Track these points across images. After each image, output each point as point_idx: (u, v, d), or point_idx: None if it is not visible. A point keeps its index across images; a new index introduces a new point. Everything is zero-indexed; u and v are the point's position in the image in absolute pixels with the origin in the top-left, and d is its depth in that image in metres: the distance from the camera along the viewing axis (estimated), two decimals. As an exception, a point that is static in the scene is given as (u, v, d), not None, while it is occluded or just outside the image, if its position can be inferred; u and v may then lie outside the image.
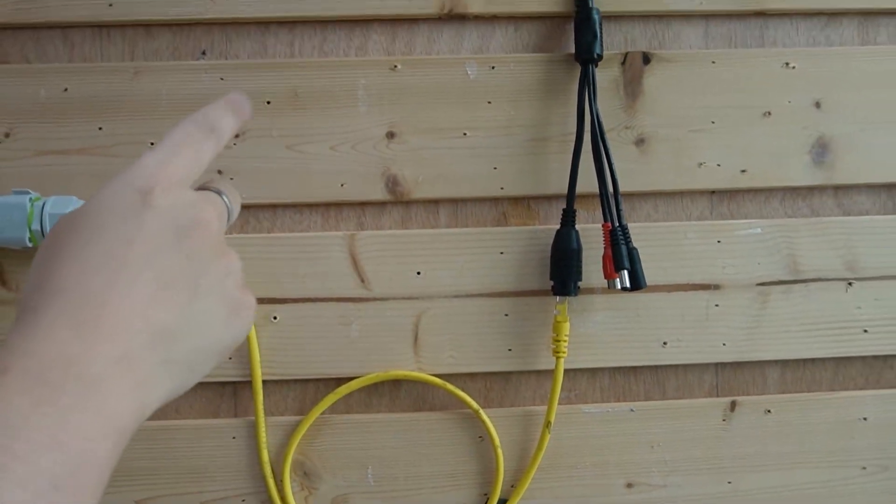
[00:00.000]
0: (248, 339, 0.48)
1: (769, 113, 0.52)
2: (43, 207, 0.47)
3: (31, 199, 0.47)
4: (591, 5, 0.50)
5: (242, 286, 0.29)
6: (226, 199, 0.29)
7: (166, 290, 0.26)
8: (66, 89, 0.50)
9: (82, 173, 0.50)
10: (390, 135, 0.50)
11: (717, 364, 0.51)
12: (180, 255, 0.26)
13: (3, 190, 0.49)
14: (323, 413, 0.49)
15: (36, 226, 0.47)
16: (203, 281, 0.28)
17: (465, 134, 0.50)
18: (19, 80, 0.50)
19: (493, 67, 0.51)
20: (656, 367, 0.51)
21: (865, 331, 0.51)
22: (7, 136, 0.50)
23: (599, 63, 0.50)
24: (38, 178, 0.50)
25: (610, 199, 0.48)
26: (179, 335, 0.26)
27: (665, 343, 0.51)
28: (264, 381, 0.49)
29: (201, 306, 0.27)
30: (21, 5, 0.50)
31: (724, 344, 0.51)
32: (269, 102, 0.50)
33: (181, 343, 0.27)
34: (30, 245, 0.47)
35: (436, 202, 0.51)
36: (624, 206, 0.49)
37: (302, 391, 0.50)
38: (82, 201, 0.48)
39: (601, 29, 0.49)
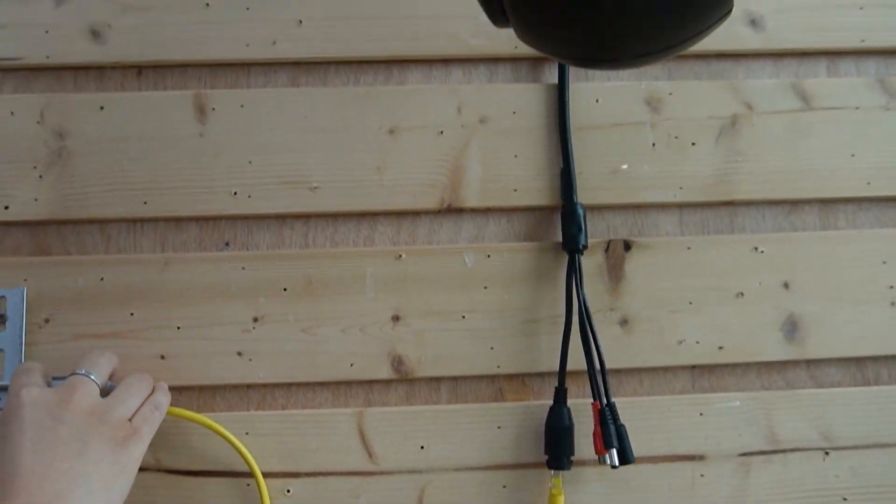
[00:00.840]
0: None
1: (742, 294, 0.61)
2: None
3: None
4: (575, 200, 0.60)
5: (122, 423, 0.49)
6: (92, 377, 0.52)
7: (51, 460, 0.43)
8: (102, 278, 0.60)
9: (116, 355, 0.59)
10: (395, 318, 0.60)
11: (704, 532, 0.59)
12: (56, 430, 0.45)
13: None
14: None
15: None
16: (83, 441, 0.45)
17: (463, 317, 0.60)
18: (60, 270, 0.60)
19: (488, 256, 0.61)
20: None
21: (844, 499, 0.59)
22: (47, 321, 0.59)
23: (584, 251, 0.60)
24: (75, 360, 0.59)
25: (597, 378, 0.57)
26: (73, 491, 0.43)
27: None
28: None
29: (87, 458, 0.44)
30: (66, 203, 0.61)
31: None
32: (285, 289, 0.60)
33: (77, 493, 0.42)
34: None
35: (437, 380, 0.60)
36: (611, 381, 0.58)
37: None
38: (114, 384, 0.56)
39: (585, 221, 0.60)
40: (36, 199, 0.60)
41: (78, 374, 0.52)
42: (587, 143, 0.61)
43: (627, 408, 0.58)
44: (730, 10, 0.40)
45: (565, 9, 0.38)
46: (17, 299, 0.59)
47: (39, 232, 0.61)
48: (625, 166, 0.61)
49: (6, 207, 0.60)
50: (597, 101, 0.62)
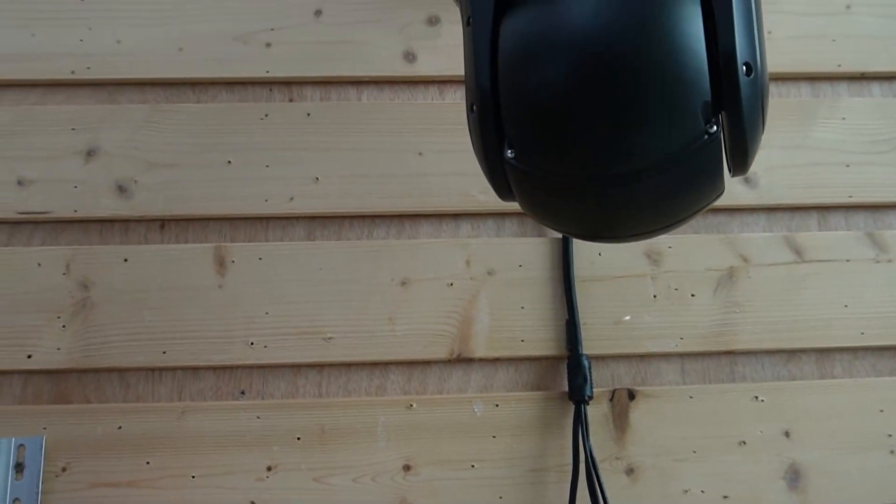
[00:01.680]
0: None
1: (744, 442, 0.67)
2: None
3: None
4: (580, 351, 0.67)
5: None
6: None
7: None
8: (120, 427, 0.66)
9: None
10: (406, 467, 0.66)
11: None
12: None
13: None
14: None
15: None
16: None
17: (473, 466, 0.66)
18: (79, 418, 0.66)
19: (497, 405, 0.67)
20: None
21: None
22: (64, 470, 0.65)
23: (590, 401, 0.66)
24: None
25: None
26: None
27: None
28: None
29: None
30: (87, 353, 0.67)
31: None
32: (298, 438, 0.66)
33: None
34: None
35: None
36: None
37: None
38: None
39: (591, 372, 0.66)
40: (58, 349, 0.67)
41: None
42: (591, 294, 0.69)
43: None
44: (722, 192, 0.48)
45: (569, 197, 0.46)
46: (35, 448, 0.65)
47: (60, 380, 0.67)
48: (627, 317, 0.69)
49: (29, 356, 0.67)
50: (599, 254, 0.70)
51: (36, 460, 0.64)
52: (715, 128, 0.42)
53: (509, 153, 0.46)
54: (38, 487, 0.63)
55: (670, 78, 0.42)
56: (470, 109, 0.47)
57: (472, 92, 0.47)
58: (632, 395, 0.67)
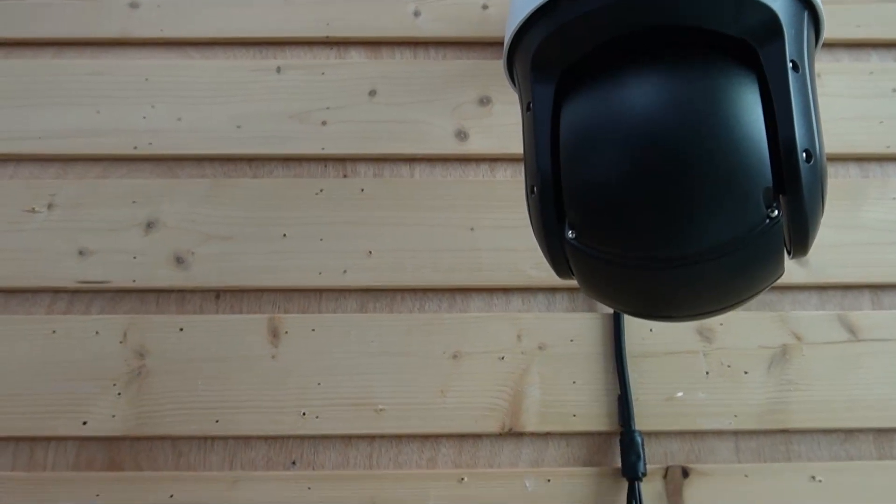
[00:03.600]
0: None
1: None
2: None
3: None
4: (633, 427, 0.76)
5: None
6: None
7: None
8: (171, 496, 0.75)
9: None
10: None
11: None
12: None
13: None
14: None
15: None
16: None
17: None
18: (131, 486, 0.75)
19: (548, 480, 0.76)
20: None
21: None
22: None
23: (643, 478, 0.75)
24: None
25: None
26: None
27: None
28: None
29: None
30: (141, 420, 0.77)
31: None
32: None
33: None
34: None
35: None
36: None
37: None
38: None
39: (644, 449, 0.75)
40: (113, 416, 0.77)
41: None
42: (642, 370, 0.78)
43: None
44: (781, 274, 0.54)
45: (630, 278, 0.55)
46: (88, 515, 0.74)
47: (114, 447, 0.77)
48: (680, 394, 0.78)
49: (84, 423, 0.77)
50: (651, 330, 0.80)
51: None
52: (777, 212, 0.48)
53: (570, 234, 0.52)
54: None
55: (732, 164, 0.48)
56: (530, 191, 0.54)
57: (532, 174, 0.54)
58: (686, 473, 0.76)
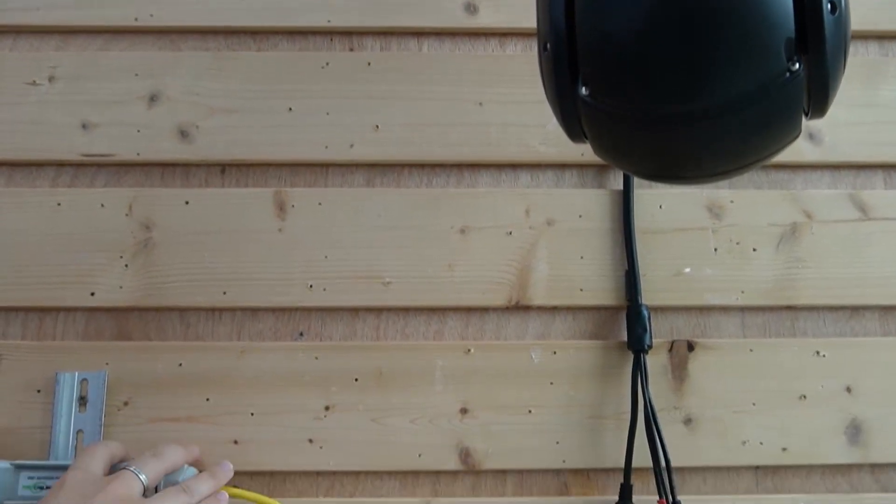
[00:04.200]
0: None
1: (804, 396, 0.75)
2: None
3: None
4: (640, 301, 0.76)
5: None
6: (141, 476, 0.63)
7: None
8: (180, 364, 0.75)
9: (191, 438, 0.73)
10: (463, 411, 0.74)
11: None
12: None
13: None
14: None
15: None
16: None
17: (529, 411, 0.75)
18: (140, 355, 0.76)
19: (554, 352, 0.76)
20: None
21: None
22: (126, 404, 0.74)
23: (649, 351, 0.75)
24: (151, 443, 0.73)
25: (663, 476, 0.71)
26: None
27: None
28: None
29: None
30: (148, 291, 0.77)
31: None
32: (356, 380, 0.75)
33: None
34: None
35: (504, 473, 0.74)
36: (675, 479, 0.71)
37: None
38: (192, 468, 0.71)
39: (650, 322, 0.75)
40: (121, 287, 0.77)
41: (128, 468, 0.64)
42: (651, 246, 0.78)
43: None
44: (798, 134, 0.53)
45: (645, 135, 0.54)
46: (98, 382, 0.74)
47: (122, 318, 0.77)
48: (688, 270, 0.77)
49: (92, 294, 0.76)
50: (660, 206, 0.79)
51: (99, 394, 0.74)
52: (798, 65, 0.47)
53: (584, 91, 0.51)
54: (100, 420, 0.73)
55: (753, 13, 0.46)
56: (543, 48, 0.52)
57: (545, 31, 0.52)
58: (691, 347, 0.75)
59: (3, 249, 0.74)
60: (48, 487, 0.65)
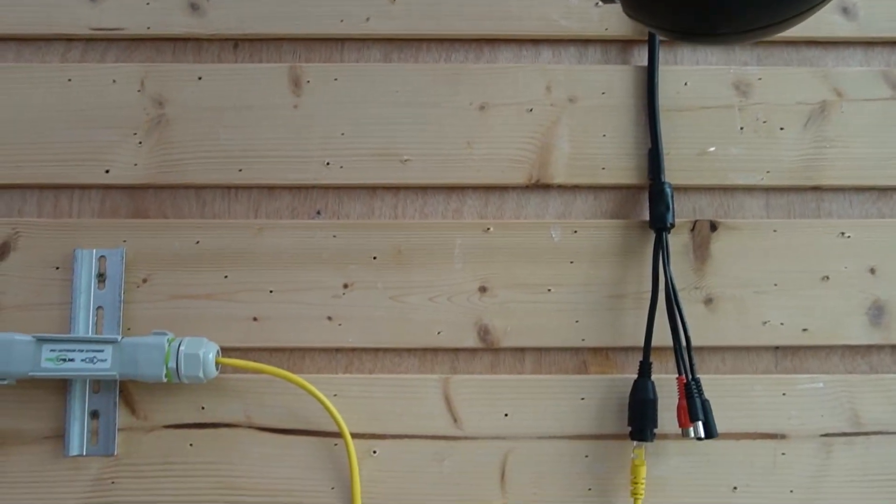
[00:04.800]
0: (350, 472, 0.70)
1: (827, 277, 0.74)
2: (179, 347, 0.70)
3: (168, 339, 0.70)
4: (663, 179, 0.74)
5: None
6: None
7: None
8: (197, 242, 0.74)
9: (210, 315, 0.73)
10: (482, 289, 0.73)
11: (785, 511, 0.70)
12: None
13: (142, 329, 0.72)
14: None
15: (172, 364, 0.69)
16: None
17: (549, 290, 0.73)
18: (157, 233, 0.74)
19: (575, 231, 0.74)
20: None
21: (926, 483, 0.70)
22: (145, 281, 0.74)
23: (671, 230, 0.73)
24: (170, 319, 0.73)
25: (683, 354, 0.70)
26: None
27: (735, 488, 0.71)
28: None
29: None
30: (163, 169, 0.75)
31: (791, 491, 0.71)
32: (375, 258, 0.74)
33: None
34: (164, 381, 0.69)
35: (522, 350, 0.73)
36: (694, 358, 0.70)
37: None
38: (213, 343, 0.70)
39: (673, 201, 0.73)
40: (135, 164, 0.75)
41: None
42: (675, 124, 0.75)
43: (710, 385, 0.70)
44: None
45: None
46: (116, 259, 0.73)
47: (138, 196, 0.75)
48: (712, 148, 0.75)
49: (107, 171, 0.74)
50: (685, 83, 0.76)
51: (117, 271, 0.72)
52: None
53: None
54: (120, 297, 0.72)
55: None
56: None
57: None
58: (713, 227, 0.73)
59: (15, 126, 0.72)
60: (70, 360, 0.64)
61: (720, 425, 0.67)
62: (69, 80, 0.74)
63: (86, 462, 0.68)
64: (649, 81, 0.73)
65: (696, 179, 0.72)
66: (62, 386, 0.69)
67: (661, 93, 0.73)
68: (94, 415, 0.69)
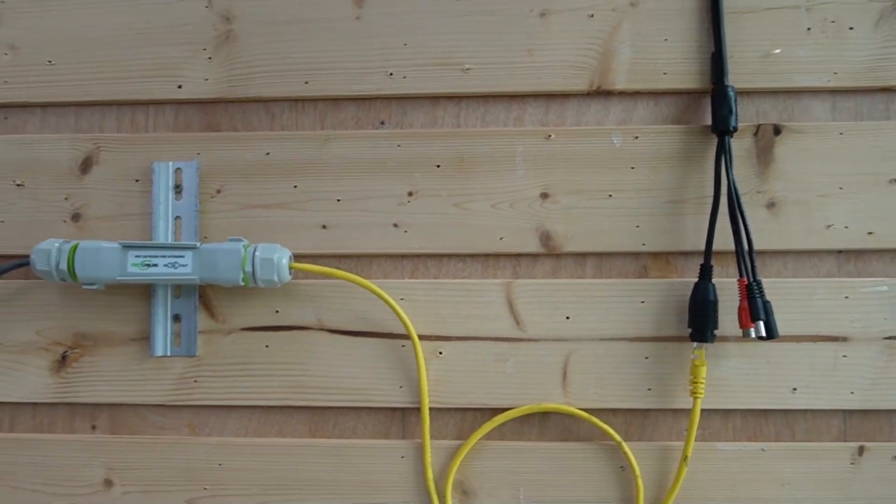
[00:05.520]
0: (417, 371, 0.72)
1: (894, 180, 0.72)
2: (254, 252, 0.72)
3: (244, 245, 0.72)
4: (726, 83, 0.72)
5: None
6: None
7: None
8: (267, 153, 0.76)
9: (281, 224, 0.75)
10: (544, 195, 0.74)
11: (845, 411, 0.71)
12: None
13: (218, 237, 0.74)
14: (480, 439, 0.72)
15: (248, 268, 0.72)
16: None
17: (610, 195, 0.74)
18: (229, 145, 0.76)
19: (636, 137, 0.74)
20: (786, 410, 0.71)
21: None
22: (219, 192, 0.76)
23: (734, 134, 0.72)
24: (244, 228, 0.75)
25: (745, 257, 0.70)
26: None
27: (795, 389, 0.71)
28: (430, 409, 0.73)
29: None
30: (233, 83, 0.77)
31: (851, 392, 0.71)
32: (438, 166, 0.75)
33: None
34: (241, 284, 0.72)
35: (583, 255, 0.74)
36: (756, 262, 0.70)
37: (462, 419, 0.73)
38: (286, 249, 0.73)
39: (736, 104, 0.72)
40: (206, 79, 0.76)
41: None
42: (739, 26, 0.73)
43: (771, 289, 0.70)
44: None
45: None
46: (191, 171, 0.76)
47: (209, 110, 0.77)
48: (777, 50, 0.73)
49: (179, 86, 0.76)
50: None
51: (192, 182, 0.75)
52: None
53: None
54: (195, 207, 0.74)
55: None
56: None
57: None
58: (777, 131, 0.72)
59: (87, 44, 0.74)
60: (154, 265, 0.67)
61: (781, 328, 0.67)
62: (140, -3, 0.75)
63: (170, 362, 0.72)
64: (713, -18, 0.70)
65: (760, 83, 0.71)
66: (146, 292, 0.72)
67: (726, -6, 0.70)
68: (177, 318, 0.72)
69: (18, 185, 0.73)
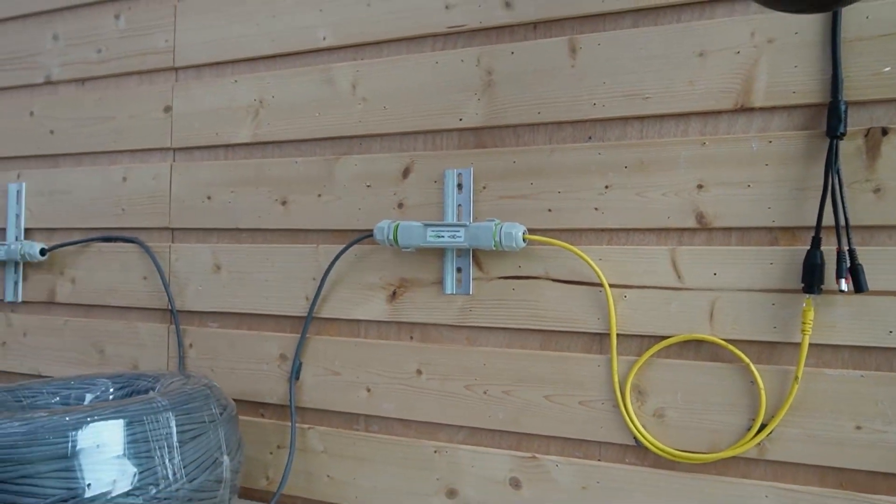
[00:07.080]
0: (608, 308, 1.07)
1: None
2: (501, 228, 1.12)
3: (495, 223, 1.13)
4: (840, 98, 0.98)
5: None
6: None
7: None
8: (514, 161, 1.13)
9: (521, 209, 1.11)
10: (699, 186, 1.03)
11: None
12: None
13: (482, 218, 1.11)
14: (651, 356, 1.06)
15: (497, 238, 1.12)
16: None
17: (748, 186, 1.01)
18: (491, 157, 1.12)
19: (770, 142, 1.01)
20: (884, 348, 0.90)
21: None
22: (484, 188, 1.15)
23: (844, 137, 0.97)
24: (498, 211, 1.13)
25: (841, 231, 0.95)
26: None
27: (891, 332, 0.95)
28: (617, 335, 1.08)
29: None
30: (493, 116, 1.16)
31: None
32: (626, 167, 1.08)
33: None
34: (494, 249, 1.13)
35: (728, 230, 1.00)
36: (862, 235, 0.89)
37: (640, 342, 1.06)
38: (522, 225, 1.11)
39: (846, 115, 0.94)
40: (476, 114, 1.15)
41: None
42: (856, 52, 0.91)
43: (875, 255, 0.90)
44: None
45: None
46: (468, 175, 1.13)
47: (479, 134, 1.14)
48: (887, 69, 0.96)
49: (460, 119, 1.17)
50: (867, 17, 0.96)
51: (468, 182, 1.15)
52: None
53: None
54: (471, 198, 1.16)
55: None
56: None
57: None
58: (885, 132, 0.94)
59: (405, 96, 1.20)
60: (441, 236, 1.11)
61: (884, 285, 0.89)
62: (436, 62, 1.19)
63: (455, 298, 1.13)
64: (833, 19, 0.94)
65: (872, 95, 0.92)
66: (440, 253, 1.13)
67: (845, 28, 0.91)
68: (458, 269, 1.15)
69: (368, 186, 1.21)
